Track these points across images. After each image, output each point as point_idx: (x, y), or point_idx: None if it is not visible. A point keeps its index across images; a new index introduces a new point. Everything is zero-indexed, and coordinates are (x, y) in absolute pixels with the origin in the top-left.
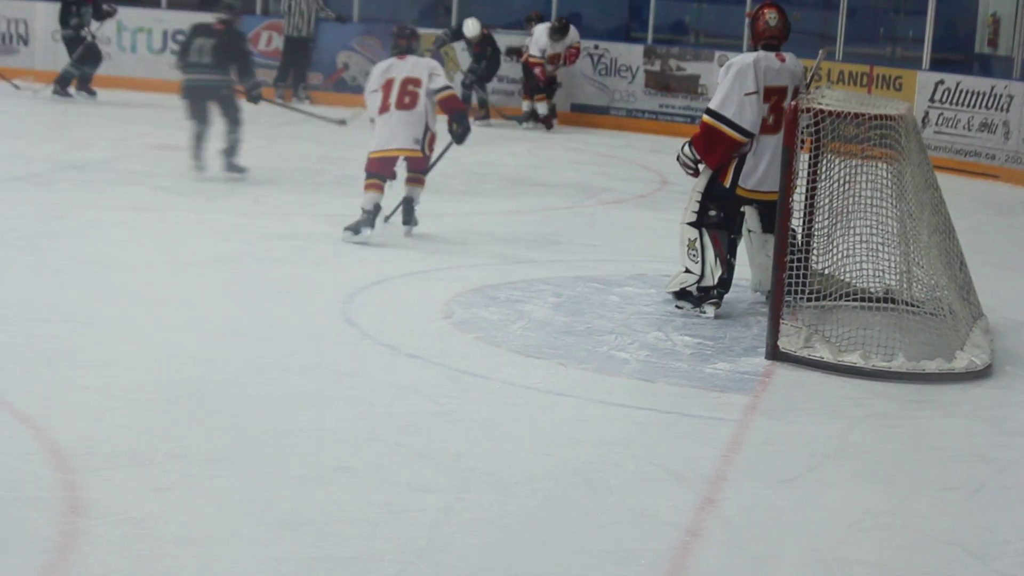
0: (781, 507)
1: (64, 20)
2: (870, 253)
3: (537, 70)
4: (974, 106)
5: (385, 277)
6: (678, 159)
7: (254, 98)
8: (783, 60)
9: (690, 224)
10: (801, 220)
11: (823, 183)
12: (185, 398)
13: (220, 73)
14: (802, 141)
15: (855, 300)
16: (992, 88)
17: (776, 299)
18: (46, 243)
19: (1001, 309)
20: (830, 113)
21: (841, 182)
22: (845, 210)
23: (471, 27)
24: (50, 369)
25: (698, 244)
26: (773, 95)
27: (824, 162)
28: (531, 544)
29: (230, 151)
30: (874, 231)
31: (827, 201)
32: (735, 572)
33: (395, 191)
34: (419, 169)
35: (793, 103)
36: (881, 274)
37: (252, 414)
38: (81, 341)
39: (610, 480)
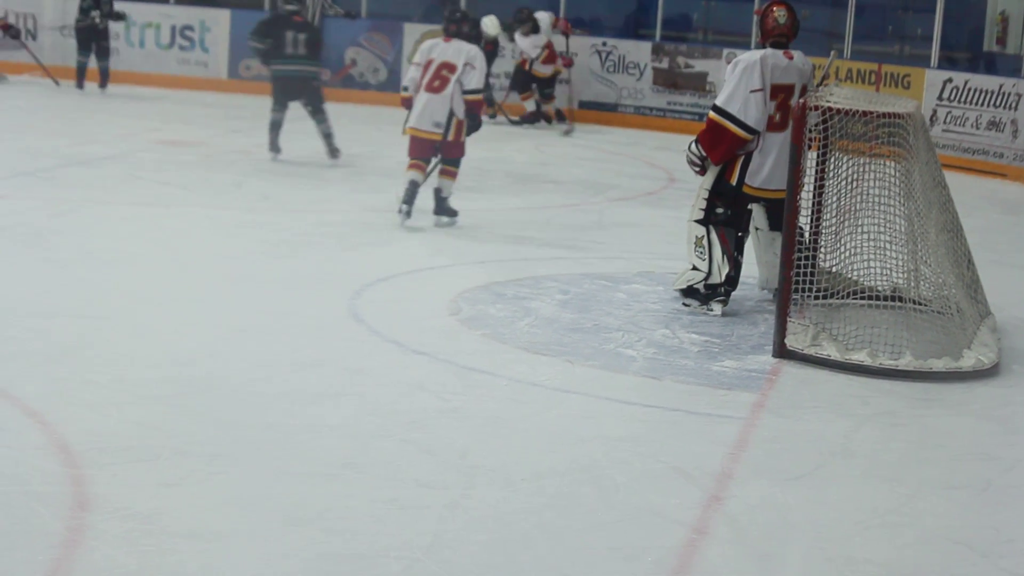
0: (788, 505)
1: (80, 12)
2: (878, 251)
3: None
4: (982, 104)
5: (392, 273)
6: (687, 158)
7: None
8: (791, 58)
9: (697, 221)
10: (809, 218)
11: (831, 181)
12: (192, 394)
13: (314, 65)
14: (810, 139)
15: (862, 298)
16: (1000, 86)
17: (783, 297)
18: (53, 238)
19: (1008, 308)
20: (838, 111)
21: (849, 180)
22: (853, 208)
23: (491, 25)
24: (57, 364)
25: (705, 242)
26: (780, 93)
27: (832, 160)
28: (537, 541)
29: (330, 137)
30: (882, 229)
31: (835, 199)
32: (742, 570)
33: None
34: (451, 159)
35: (801, 101)
36: (888, 272)
37: (259, 410)
38: (88, 336)
39: (617, 477)
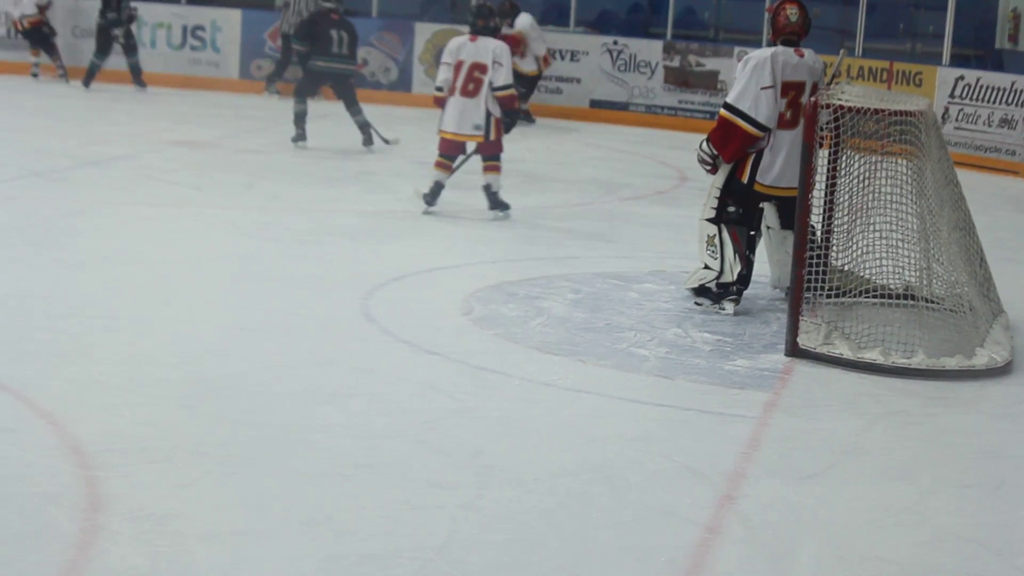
0: (801, 504)
1: (103, 11)
2: (890, 249)
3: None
4: (994, 102)
5: (404, 273)
6: (698, 157)
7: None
8: (802, 55)
9: (709, 220)
10: (820, 216)
11: (843, 179)
12: (205, 394)
13: (354, 63)
14: (821, 137)
15: (875, 297)
16: (1013, 84)
17: (795, 296)
18: (66, 239)
19: (1021, 305)
20: (850, 109)
21: (861, 178)
22: (865, 206)
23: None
24: (70, 365)
25: (717, 240)
26: (791, 90)
27: (844, 158)
28: (550, 541)
29: (367, 126)
30: (894, 227)
31: (847, 197)
32: (755, 569)
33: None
34: (491, 155)
35: (813, 99)
36: (901, 271)
37: (271, 410)
38: (101, 337)
39: (629, 477)
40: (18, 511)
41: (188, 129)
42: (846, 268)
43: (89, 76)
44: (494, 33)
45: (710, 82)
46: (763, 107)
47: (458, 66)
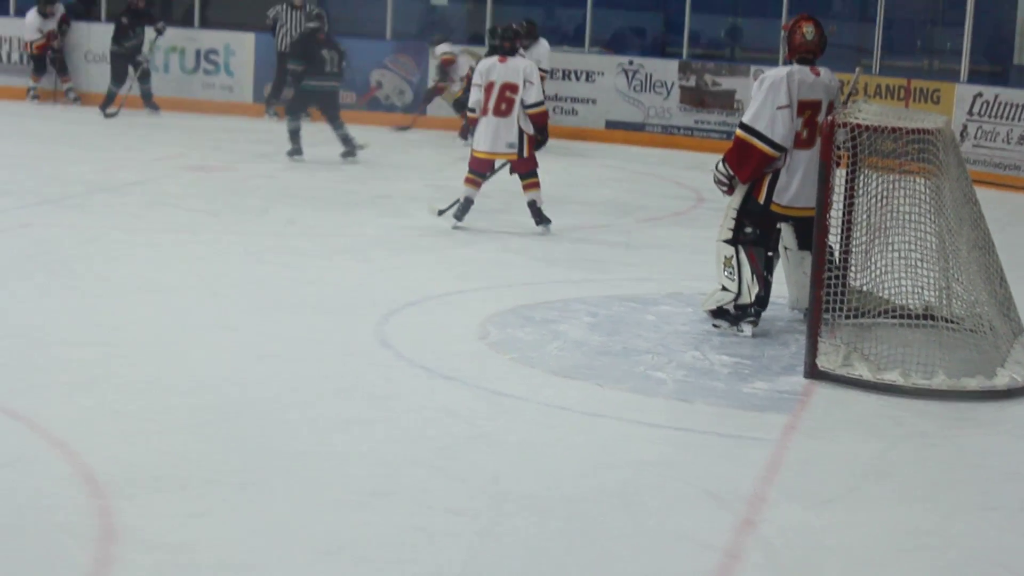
0: (822, 528)
1: (118, 39)
2: (909, 269)
3: None
4: (1013, 119)
5: (420, 298)
6: (714, 177)
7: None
8: (818, 74)
9: (726, 241)
10: (838, 236)
11: (860, 199)
12: (220, 422)
13: (343, 80)
14: (838, 156)
15: (894, 317)
16: None
17: (814, 317)
18: (80, 266)
19: None
20: (867, 128)
21: (879, 197)
22: (883, 226)
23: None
24: (84, 393)
25: (734, 262)
26: (807, 109)
27: (861, 177)
28: (569, 568)
29: (348, 139)
30: (913, 247)
31: (865, 217)
32: None
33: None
34: (528, 172)
35: (829, 118)
36: (920, 290)
37: (287, 437)
38: (115, 365)
39: (648, 502)
40: (31, 542)
41: (202, 154)
42: (865, 288)
43: (107, 103)
44: (511, 50)
45: (726, 102)
46: (779, 127)
47: (489, 87)
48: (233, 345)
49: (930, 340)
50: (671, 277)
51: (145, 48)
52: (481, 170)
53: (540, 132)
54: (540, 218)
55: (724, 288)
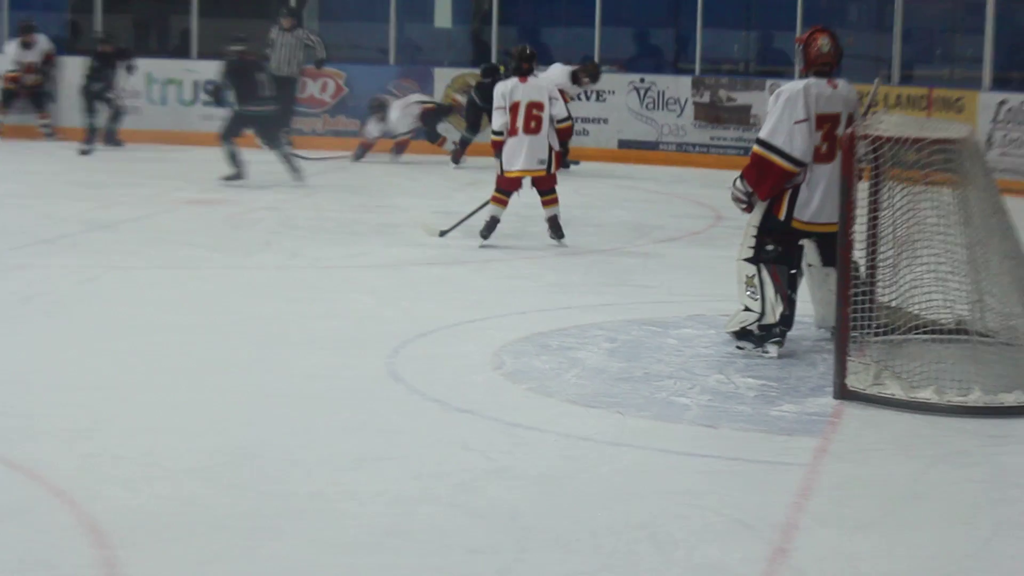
0: (858, 555)
1: (93, 76)
2: (938, 282)
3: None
4: None
5: (431, 329)
6: (732, 195)
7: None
8: (835, 86)
9: (747, 260)
10: (864, 251)
11: (885, 212)
12: (227, 465)
13: (277, 104)
14: (860, 169)
15: (925, 333)
16: None
17: (842, 335)
18: (77, 307)
19: None
20: (888, 139)
21: (903, 210)
22: (910, 239)
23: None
24: (85, 440)
25: (756, 281)
26: (825, 123)
27: (884, 190)
28: None
29: (290, 157)
30: (941, 259)
31: (890, 230)
32: None
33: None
34: (549, 189)
35: (849, 130)
36: (951, 304)
37: (297, 478)
38: (116, 409)
39: (675, 533)
40: None
41: (201, 187)
42: (893, 304)
43: (89, 139)
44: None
45: (742, 117)
46: (798, 141)
47: (514, 107)
48: (239, 384)
49: (964, 355)
50: (691, 299)
51: (119, 85)
52: (511, 189)
53: (563, 146)
54: (558, 232)
55: (747, 308)
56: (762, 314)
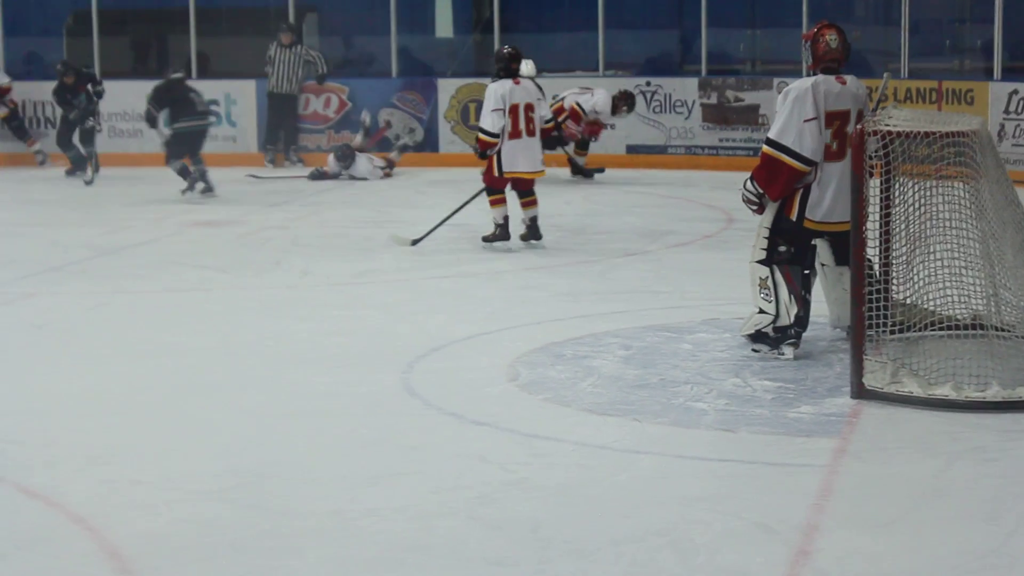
0: (880, 554)
1: (66, 108)
2: (953, 278)
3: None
4: None
5: (445, 342)
6: (743, 197)
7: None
8: (844, 83)
9: (760, 262)
10: (877, 249)
11: (897, 208)
12: (245, 485)
13: (212, 118)
14: (871, 166)
15: (941, 329)
16: None
17: (857, 334)
18: (89, 332)
19: None
20: (899, 134)
21: (916, 205)
22: (923, 234)
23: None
24: (101, 465)
25: (770, 282)
26: (835, 120)
27: (897, 186)
28: None
29: (206, 173)
30: (956, 254)
31: (903, 226)
32: None
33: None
34: (529, 190)
35: (859, 127)
36: (967, 299)
37: (316, 497)
38: (132, 433)
39: (696, 539)
40: None
41: (208, 208)
42: (908, 301)
43: (85, 166)
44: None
45: (751, 117)
46: (808, 140)
47: (514, 110)
48: (253, 404)
49: (981, 351)
50: (705, 303)
51: (94, 111)
52: (503, 187)
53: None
54: (536, 233)
55: (761, 311)
56: (776, 316)
